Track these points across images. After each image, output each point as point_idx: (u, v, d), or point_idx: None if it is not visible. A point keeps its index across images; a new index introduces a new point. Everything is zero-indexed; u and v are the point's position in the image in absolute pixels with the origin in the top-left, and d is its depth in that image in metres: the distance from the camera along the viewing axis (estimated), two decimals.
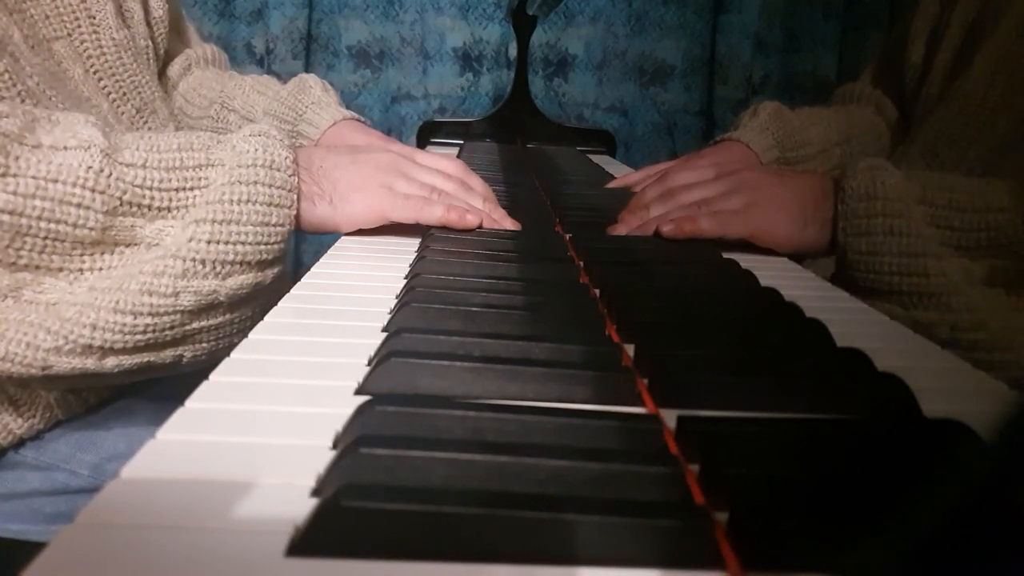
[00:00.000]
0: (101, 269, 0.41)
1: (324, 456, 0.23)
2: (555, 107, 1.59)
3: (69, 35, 0.55)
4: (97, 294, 0.40)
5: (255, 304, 0.47)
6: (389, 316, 0.37)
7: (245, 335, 0.45)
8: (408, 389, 0.28)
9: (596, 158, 1.24)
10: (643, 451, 0.24)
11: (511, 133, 1.35)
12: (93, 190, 0.39)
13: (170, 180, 0.42)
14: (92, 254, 0.41)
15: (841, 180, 0.52)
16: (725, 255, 0.52)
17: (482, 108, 1.57)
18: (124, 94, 0.59)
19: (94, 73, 0.57)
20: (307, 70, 1.52)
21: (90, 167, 0.39)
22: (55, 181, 0.38)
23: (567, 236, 0.56)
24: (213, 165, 0.43)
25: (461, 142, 1.32)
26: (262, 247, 0.44)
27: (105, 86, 0.58)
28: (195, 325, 0.44)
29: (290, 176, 0.46)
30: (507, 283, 0.41)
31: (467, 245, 0.49)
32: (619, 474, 0.22)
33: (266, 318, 0.36)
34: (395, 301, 0.39)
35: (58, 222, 0.39)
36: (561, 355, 0.31)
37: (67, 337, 0.40)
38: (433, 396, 0.28)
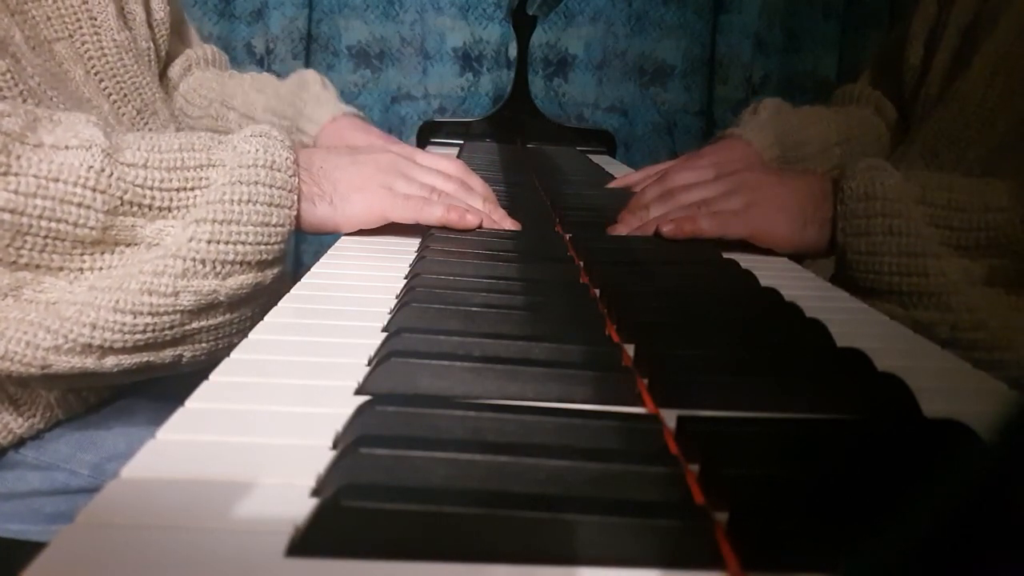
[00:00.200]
0: (101, 268, 0.42)
1: (324, 456, 0.23)
2: (555, 107, 1.59)
3: (70, 36, 0.55)
4: (97, 293, 0.40)
5: (255, 304, 0.47)
6: (389, 316, 0.37)
7: (245, 335, 0.45)
8: (408, 389, 0.28)
9: (596, 158, 1.23)
10: (643, 451, 0.24)
11: (511, 133, 1.35)
12: (94, 189, 0.39)
13: (171, 180, 0.42)
14: (92, 253, 0.41)
15: (840, 180, 0.52)
16: (725, 255, 0.52)
17: (482, 108, 1.57)
18: (125, 95, 0.59)
19: (95, 74, 0.57)
20: None
21: (91, 166, 0.39)
22: (56, 180, 0.38)
23: (567, 236, 0.56)
24: (214, 165, 0.44)
25: (461, 142, 1.32)
26: (262, 247, 0.44)
27: (106, 87, 0.58)
28: (195, 325, 0.44)
29: (291, 176, 0.46)
30: (507, 283, 0.41)
31: (467, 245, 0.49)
32: (619, 474, 0.22)
33: (266, 318, 0.36)
34: (395, 301, 0.39)
35: (59, 221, 0.39)
36: (561, 355, 0.31)
37: (67, 336, 0.40)
38: (433, 396, 0.28)
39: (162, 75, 0.77)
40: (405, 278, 0.43)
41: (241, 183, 0.43)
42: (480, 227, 0.53)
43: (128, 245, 0.42)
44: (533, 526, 0.20)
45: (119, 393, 0.57)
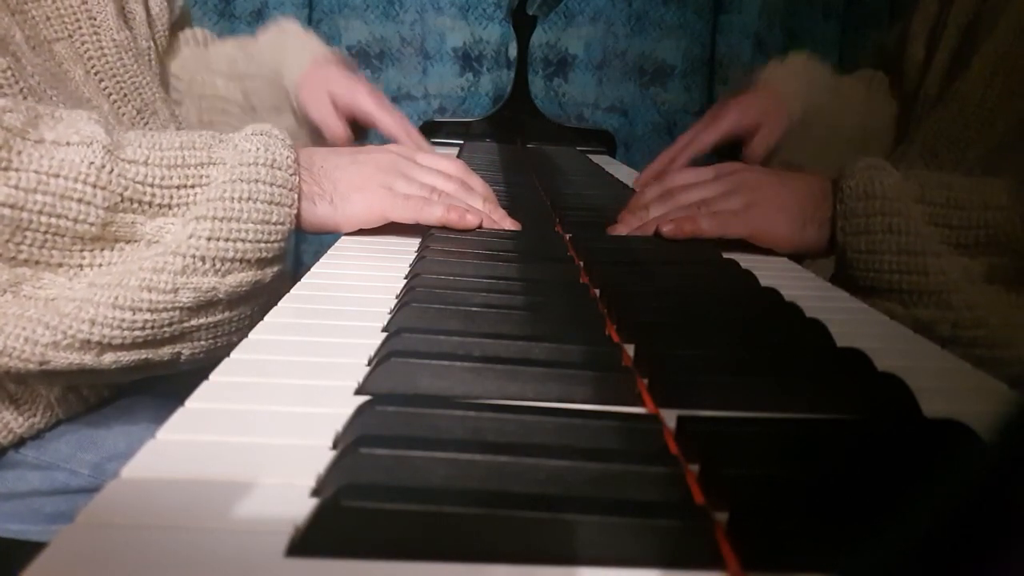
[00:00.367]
0: (101, 265, 0.42)
1: (324, 456, 0.23)
2: (555, 107, 1.59)
3: (70, 36, 0.55)
4: (96, 290, 0.40)
5: (254, 303, 0.47)
6: (389, 316, 0.37)
7: (244, 334, 0.44)
8: (408, 389, 0.28)
9: (596, 158, 1.23)
10: (643, 451, 0.24)
11: (511, 133, 1.35)
12: (95, 186, 0.39)
13: (171, 177, 0.42)
14: (92, 250, 0.41)
15: (839, 180, 0.52)
16: (725, 255, 0.52)
17: (482, 108, 1.57)
18: (125, 95, 0.59)
19: (95, 74, 0.57)
20: None
21: (92, 163, 0.39)
22: (57, 176, 0.38)
23: (567, 236, 0.56)
24: (215, 163, 0.44)
25: (461, 142, 1.32)
26: (262, 245, 0.44)
27: (106, 87, 0.58)
28: (194, 322, 0.44)
29: (291, 175, 0.46)
30: (507, 283, 0.41)
31: (467, 245, 0.49)
32: (619, 474, 0.22)
33: (266, 318, 0.36)
34: (395, 301, 0.39)
35: (59, 217, 0.39)
36: (561, 355, 0.31)
37: (65, 332, 0.40)
38: (433, 396, 0.28)
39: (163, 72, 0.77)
40: (405, 278, 0.43)
41: (242, 181, 0.43)
42: (480, 227, 0.53)
43: (128, 242, 0.42)
44: (533, 526, 0.20)
45: (119, 393, 0.57)
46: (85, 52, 0.56)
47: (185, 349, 0.45)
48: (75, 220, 0.39)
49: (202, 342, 0.45)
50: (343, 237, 0.53)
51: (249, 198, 0.43)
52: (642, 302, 0.39)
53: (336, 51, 0.81)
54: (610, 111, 1.63)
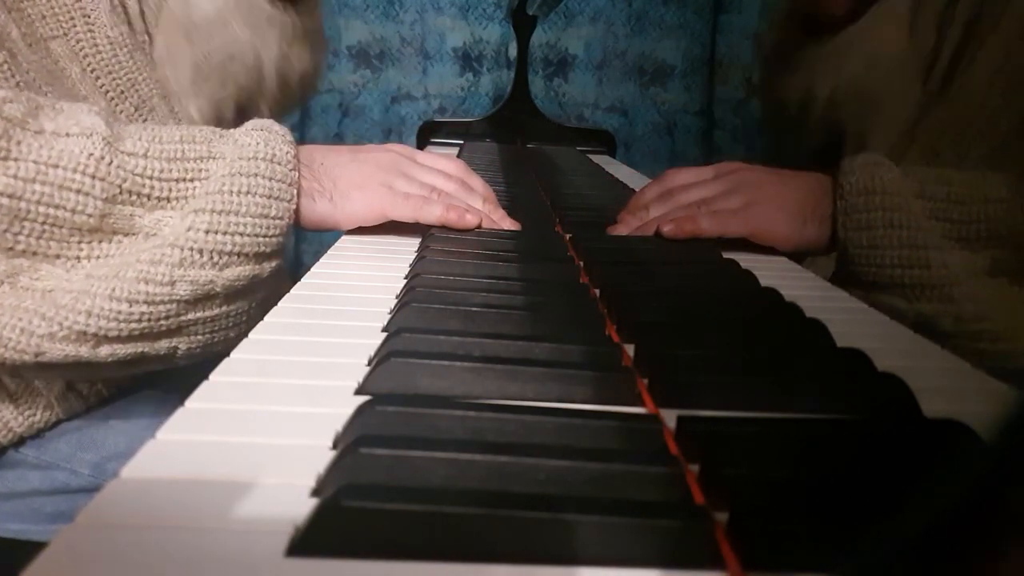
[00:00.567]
0: (99, 257, 0.41)
1: (324, 456, 0.23)
2: (555, 107, 1.59)
3: (65, 34, 0.55)
4: (93, 281, 0.40)
5: (252, 298, 0.47)
6: (389, 316, 0.37)
7: (240, 330, 0.44)
8: (408, 389, 0.28)
9: (596, 158, 1.24)
10: (643, 451, 0.24)
11: (511, 133, 1.35)
12: (93, 176, 0.39)
13: (171, 170, 0.42)
14: (90, 242, 0.41)
15: (839, 176, 0.52)
16: (725, 255, 0.52)
17: (482, 108, 1.57)
18: (122, 92, 0.59)
19: (91, 72, 0.57)
20: None
21: (91, 154, 0.39)
22: (56, 166, 0.38)
23: (567, 236, 0.56)
24: (214, 157, 0.44)
25: (461, 142, 1.32)
26: (260, 239, 0.44)
27: (103, 84, 0.58)
28: (191, 316, 0.44)
29: (291, 170, 0.46)
30: (507, 283, 0.41)
31: (467, 245, 0.49)
32: (619, 474, 0.22)
33: (266, 318, 0.36)
34: (395, 301, 0.39)
35: (57, 207, 0.39)
36: (561, 355, 0.31)
37: (61, 323, 0.40)
38: (433, 396, 0.28)
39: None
40: (405, 278, 0.44)
41: (241, 175, 0.43)
42: (479, 227, 0.53)
43: (126, 235, 0.42)
44: (533, 526, 0.20)
45: (120, 392, 0.57)
46: (81, 50, 0.56)
47: (182, 343, 0.45)
48: (73, 211, 0.39)
49: (199, 336, 0.45)
50: (343, 237, 0.53)
51: (248, 192, 0.43)
52: (642, 302, 0.39)
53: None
54: (610, 111, 1.63)
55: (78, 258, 0.41)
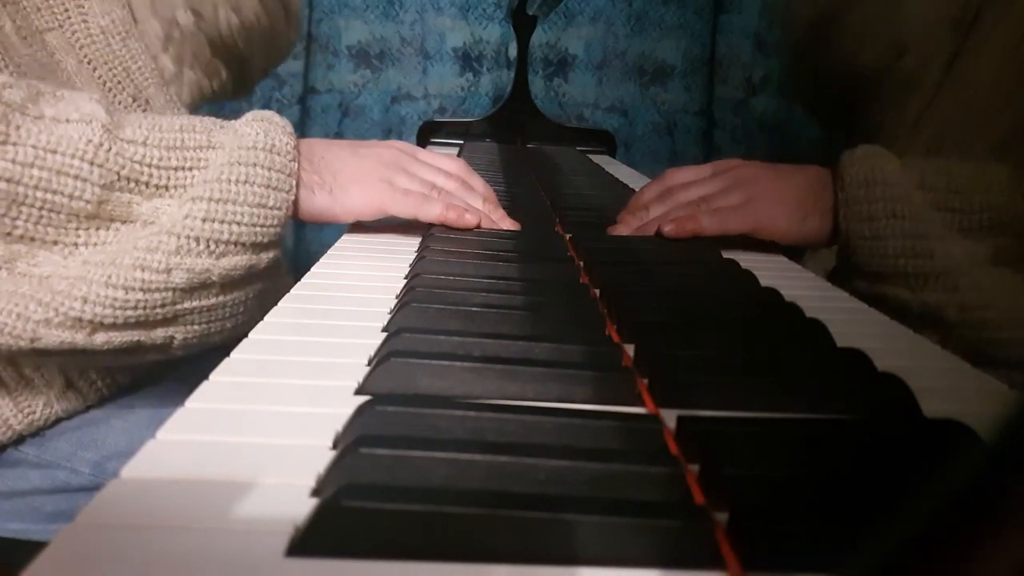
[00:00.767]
0: (96, 244, 0.42)
1: (324, 456, 0.23)
2: (555, 107, 1.59)
3: (60, 26, 0.55)
4: (90, 268, 0.40)
5: (249, 289, 0.47)
6: (389, 316, 0.37)
7: (237, 320, 0.44)
8: (408, 389, 0.28)
9: (596, 158, 1.23)
10: (643, 451, 0.24)
11: (511, 133, 1.35)
12: (91, 163, 0.39)
13: (169, 159, 0.42)
14: (87, 229, 0.41)
15: (839, 168, 0.52)
16: (725, 255, 0.52)
17: (482, 108, 1.57)
18: (118, 82, 0.59)
19: (88, 63, 0.57)
20: (307, 70, 1.52)
21: (90, 140, 0.39)
22: (54, 152, 0.38)
23: (567, 236, 0.56)
24: (214, 147, 0.44)
25: (461, 142, 1.32)
26: (258, 229, 0.44)
27: (100, 75, 0.57)
28: (187, 305, 0.43)
29: (290, 161, 0.46)
30: (507, 283, 0.41)
31: (467, 245, 0.49)
32: (619, 474, 0.22)
33: (266, 318, 0.36)
34: (395, 301, 0.39)
35: (54, 193, 0.39)
36: (561, 355, 0.31)
37: (57, 309, 0.40)
38: (433, 396, 0.28)
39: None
40: (405, 278, 0.43)
41: (239, 164, 0.43)
42: (478, 227, 0.53)
43: (124, 222, 0.42)
44: (533, 526, 0.20)
45: (120, 391, 0.57)
46: (76, 41, 0.56)
47: (178, 333, 0.45)
48: (71, 196, 0.39)
49: (195, 326, 0.45)
50: (343, 237, 0.53)
51: (246, 181, 0.43)
52: (642, 302, 0.39)
53: None
54: (610, 111, 1.63)
55: (75, 245, 0.41)
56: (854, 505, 0.21)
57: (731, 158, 0.60)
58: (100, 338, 0.42)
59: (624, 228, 0.58)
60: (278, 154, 0.45)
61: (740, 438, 0.25)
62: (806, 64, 0.84)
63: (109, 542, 0.19)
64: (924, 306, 0.48)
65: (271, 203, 0.44)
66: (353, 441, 0.23)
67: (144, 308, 0.42)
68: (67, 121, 0.39)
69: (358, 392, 0.28)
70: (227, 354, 0.31)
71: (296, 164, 0.46)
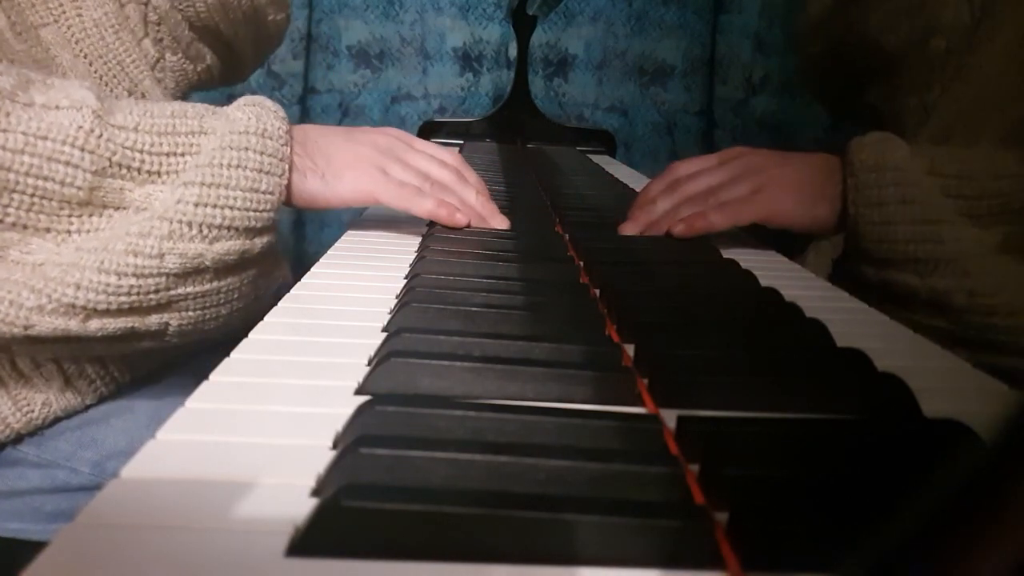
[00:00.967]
0: (89, 231, 0.41)
1: (324, 456, 0.23)
2: (555, 107, 1.59)
3: (56, 20, 0.55)
4: (83, 254, 0.40)
5: (243, 275, 0.47)
6: (389, 316, 0.37)
7: (232, 307, 0.44)
8: (408, 389, 0.28)
9: (596, 158, 1.24)
10: (643, 451, 0.24)
11: (511, 133, 1.35)
12: (82, 149, 0.39)
13: (161, 144, 0.42)
14: (80, 215, 0.41)
15: (848, 154, 0.52)
16: (725, 255, 0.52)
17: (482, 108, 1.57)
18: (114, 76, 0.59)
19: (84, 57, 0.57)
20: (307, 70, 1.52)
21: (80, 126, 0.39)
22: (44, 138, 0.38)
23: (567, 236, 0.56)
24: (206, 133, 0.44)
25: (461, 142, 1.32)
26: (250, 213, 0.44)
27: (96, 69, 0.57)
28: (180, 290, 0.43)
29: (282, 145, 0.46)
30: (507, 283, 0.41)
31: (467, 245, 0.49)
32: (619, 474, 0.22)
33: (266, 318, 0.36)
34: (395, 301, 0.39)
35: (46, 179, 0.39)
36: (561, 355, 0.31)
37: (50, 296, 0.40)
38: (433, 396, 0.28)
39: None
40: (405, 278, 0.43)
41: (231, 148, 0.43)
42: (469, 226, 0.53)
43: (116, 208, 0.42)
44: (533, 526, 0.20)
45: (119, 390, 0.57)
46: (72, 36, 0.56)
47: (173, 319, 0.44)
48: (62, 183, 0.39)
49: (190, 313, 0.45)
50: (343, 237, 0.53)
51: (238, 165, 0.43)
52: (642, 302, 0.39)
53: None
54: (610, 111, 1.63)
55: (68, 232, 0.41)
56: (854, 505, 0.21)
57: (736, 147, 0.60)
58: (94, 324, 0.41)
59: (633, 225, 0.57)
60: (270, 138, 0.45)
61: (740, 438, 0.25)
62: (826, 46, 0.83)
63: (109, 542, 0.19)
64: (933, 292, 0.48)
65: (263, 187, 0.44)
66: (353, 441, 0.23)
67: (137, 294, 0.42)
68: (57, 108, 0.39)
69: (358, 392, 0.28)
70: (227, 354, 0.31)
71: (288, 148, 0.46)
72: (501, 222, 0.55)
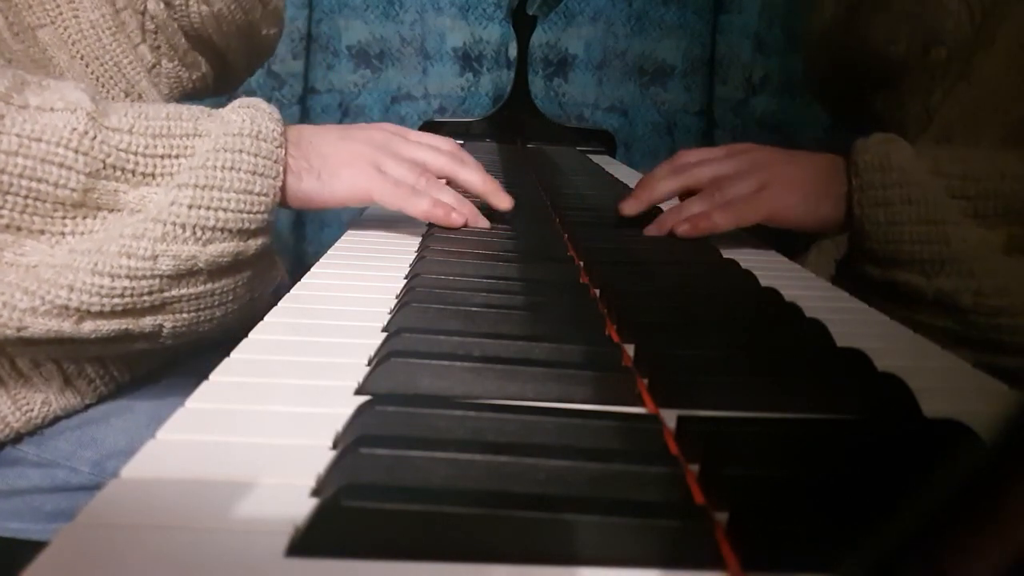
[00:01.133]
0: (83, 233, 0.41)
1: (324, 456, 0.23)
2: (555, 107, 1.59)
3: (52, 22, 0.55)
4: (76, 256, 0.40)
5: (238, 277, 0.46)
6: (389, 316, 0.37)
7: (227, 308, 0.44)
8: (408, 389, 0.28)
9: (596, 158, 1.24)
10: (643, 451, 0.24)
11: (511, 133, 1.35)
12: (76, 151, 0.39)
13: (155, 147, 0.42)
14: (74, 217, 0.41)
15: (852, 155, 0.52)
16: (725, 255, 0.52)
17: (482, 108, 1.57)
18: (110, 77, 0.59)
19: (81, 59, 0.57)
20: (307, 70, 1.52)
21: (75, 128, 0.39)
22: (39, 140, 0.39)
23: (567, 236, 0.56)
24: (200, 135, 0.44)
25: (461, 142, 1.32)
26: (244, 215, 0.44)
27: (93, 71, 0.57)
28: (174, 292, 0.43)
29: (276, 147, 0.46)
30: (507, 283, 0.41)
31: (467, 245, 0.49)
32: (619, 474, 0.22)
33: (266, 318, 0.36)
34: (395, 301, 0.39)
35: (40, 181, 0.39)
36: (561, 355, 0.31)
37: (43, 298, 0.40)
38: (433, 396, 0.28)
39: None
40: (405, 278, 0.44)
41: (225, 150, 0.43)
42: (466, 226, 0.53)
43: (111, 210, 0.42)
44: (533, 526, 0.20)
45: (119, 390, 0.57)
46: (68, 37, 0.56)
47: (167, 321, 0.44)
48: (56, 185, 0.39)
49: (184, 314, 0.45)
50: (343, 237, 0.53)
51: (232, 167, 0.43)
52: (642, 302, 0.39)
53: None
54: (610, 111, 1.63)
55: (62, 234, 0.41)
56: (854, 505, 0.21)
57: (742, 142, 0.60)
58: (87, 326, 0.41)
59: (636, 203, 0.57)
60: (264, 140, 0.45)
61: (740, 438, 0.25)
62: (831, 57, 0.83)
63: (109, 542, 0.19)
64: (939, 292, 0.48)
65: (257, 189, 0.44)
66: (353, 441, 0.23)
67: (131, 296, 0.42)
68: (52, 110, 0.39)
69: (358, 392, 0.28)
70: (227, 354, 0.31)
71: (283, 150, 0.46)
72: (505, 200, 0.55)
